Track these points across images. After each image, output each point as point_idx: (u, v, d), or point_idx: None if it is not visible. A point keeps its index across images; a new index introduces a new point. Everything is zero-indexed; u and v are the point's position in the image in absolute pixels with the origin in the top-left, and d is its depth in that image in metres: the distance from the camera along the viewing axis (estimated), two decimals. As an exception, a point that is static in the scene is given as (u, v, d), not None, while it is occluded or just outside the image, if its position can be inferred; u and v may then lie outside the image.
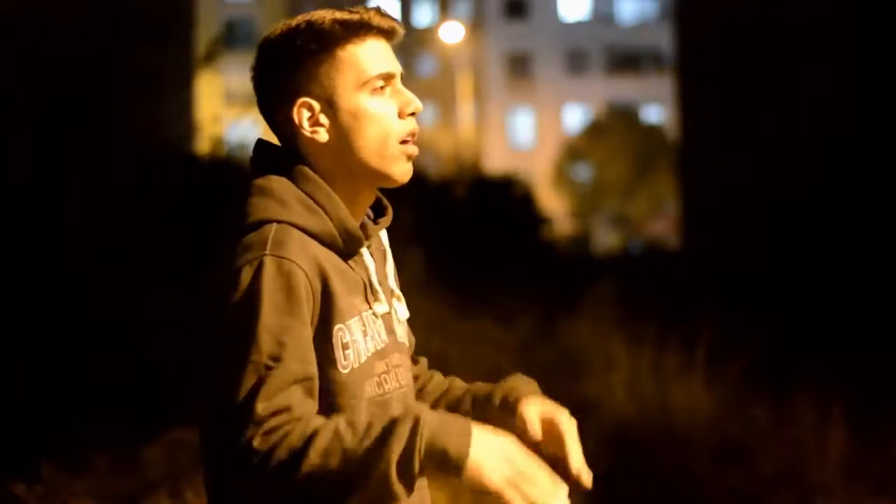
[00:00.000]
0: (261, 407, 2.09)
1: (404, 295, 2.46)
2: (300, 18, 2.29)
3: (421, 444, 2.06)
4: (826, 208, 16.52)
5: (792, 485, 7.19)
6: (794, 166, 17.29)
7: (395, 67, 2.33)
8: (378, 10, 2.32)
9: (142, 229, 9.29)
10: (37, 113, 9.66)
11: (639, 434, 7.93)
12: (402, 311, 2.41)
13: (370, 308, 2.31)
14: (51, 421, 7.13)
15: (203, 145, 13.07)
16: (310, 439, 2.08)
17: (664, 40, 49.03)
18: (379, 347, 2.30)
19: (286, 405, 2.11)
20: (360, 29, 2.29)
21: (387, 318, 2.36)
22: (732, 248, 18.56)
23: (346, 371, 2.22)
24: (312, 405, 2.16)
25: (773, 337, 11.22)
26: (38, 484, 5.51)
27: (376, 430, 2.08)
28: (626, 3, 61.78)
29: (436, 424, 2.09)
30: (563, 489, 2.12)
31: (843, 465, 7.30)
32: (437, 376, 2.62)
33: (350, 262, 2.31)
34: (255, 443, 2.08)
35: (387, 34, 2.32)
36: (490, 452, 2.09)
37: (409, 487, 2.06)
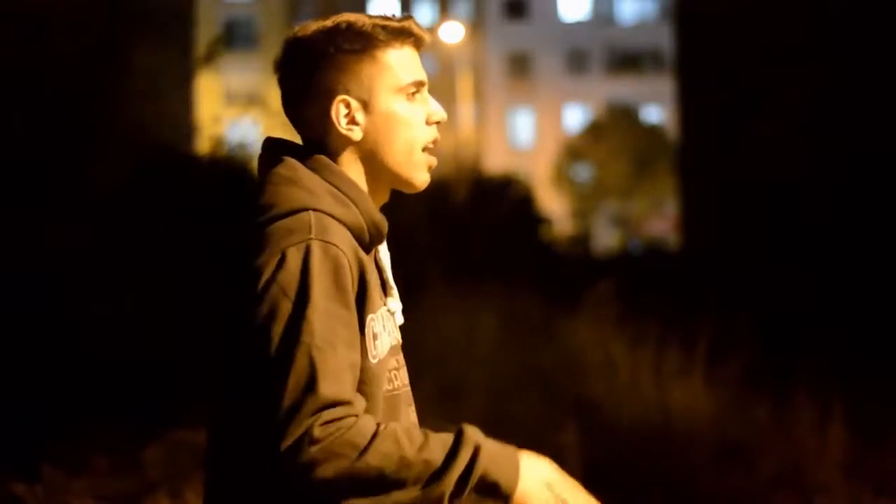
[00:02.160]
0: (326, 390, 2.09)
1: (403, 296, 2.47)
2: (337, 19, 2.32)
3: (478, 472, 2.15)
4: (826, 208, 16.52)
5: (792, 485, 7.19)
6: (793, 166, 17.29)
7: (425, 76, 2.39)
8: (413, 19, 2.37)
9: (141, 229, 9.29)
10: (37, 113, 9.66)
11: (639, 434, 7.93)
12: (398, 314, 2.43)
13: (385, 305, 2.33)
14: (51, 421, 7.13)
15: (203, 145, 13.05)
16: (372, 439, 2.10)
17: (664, 40, 49.03)
18: (393, 343, 2.33)
19: (347, 398, 2.11)
20: (400, 35, 2.34)
21: (394, 316, 2.38)
22: (732, 248, 18.56)
23: (374, 361, 2.24)
24: (363, 399, 2.18)
25: (773, 337, 11.23)
26: (38, 484, 5.51)
27: (437, 447, 2.14)
28: (626, 3, 61.79)
29: (492, 453, 2.18)
30: None
31: (843, 465, 7.30)
32: None
33: (369, 257, 2.33)
34: (316, 431, 2.07)
35: (420, 43, 2.38)
36: (535, 482, 2.20)
37: None
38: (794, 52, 17.34)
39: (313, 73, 2.31)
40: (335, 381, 2.11)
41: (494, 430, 2.27)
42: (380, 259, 2.36)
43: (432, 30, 51.97)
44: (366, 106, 2.31)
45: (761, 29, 18.24)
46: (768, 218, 17.88)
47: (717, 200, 19.91)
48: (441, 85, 52.88)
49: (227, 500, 2.23)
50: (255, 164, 2.41)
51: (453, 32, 46.63)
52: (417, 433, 2.15)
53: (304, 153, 2.31)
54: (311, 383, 2.09)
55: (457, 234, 15.44)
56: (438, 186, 17.60)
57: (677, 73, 22.96)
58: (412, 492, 2.11)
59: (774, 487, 7.19)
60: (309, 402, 2.08)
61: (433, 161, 2.38)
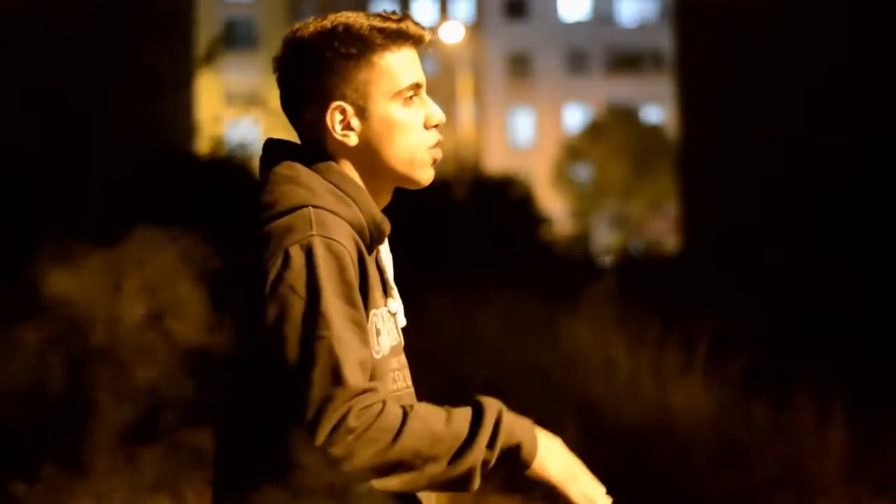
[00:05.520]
0: (354, 380, 2.12)
1: (403, 297, 2.46)
2: (335, 20, 2.30)
3: (503, 436, 2.20)
4: (825, 207, 16.52)
5: (792, 485, 7.19)
6: (793, 166, 17.30)
7: (423, 77, 2.37)
8: (411, 18, 2.35)
9: (141, 229, 9.28)
10: (37, 112, 9.66)
11: (639, 434, 7.93)
12: (401, 316, 2.42)
13: (385, 305, 2.32)
14: (51, 421, 7.12)
15: (203, 145, 13.08)
16: (403, 421, 2.14)
17: (664, 40, 49.03)
18: (394, 343, 2.32)
19: (372, 385, 2.15)
20: (398, 38, 2.31)
21: (395, 318, 2.37)
22: (732, 248, 18.56)
23: (378, 356, 2.25)
24: (384, 386, 2.22)
25: (773, 337, 11.22)
26: (38, 484, 5.51)
27: (461, 419, 2.19)
28: (626, 3, 61.80)
29: (512, 419, 2.23)
30: (603, 490, 2.33)
31: (843, 465, 7.30)
32: None
33: (371, 256, 2.32)
34: (350, 421, 2.10)
35: (418, 43, 2.36)
36: (550, 451, 2.27)
37: (485, 475, 2.20)
38: (793, 52, 17.35)
39: (310, 76, 2.30)
40: (360, 370, 2.14)
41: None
42: (381, 259, 2.35)
43: (432, 30, 52.09)
44: (362, 112, 2.29)
45: (761, 28, 18.24)
46: (768, 218, 17.89)
47: (717, 200, 19.92)
48: (441, 85, 52.86)
49: (235, 501, 2.23)
50: (255, 164, 2.41)
51: (453, 32, 46.63)
52: (440, 409, 2.19)
53: (304, 154, 2.31)
54: (337, 375, 2.11)
55: (457, 234, 15.43)
56: (438, 186, 17.62)
57: (677, 73, 22.97)
58: (444, 464, 2.15)
59: (774, 487, 7.19)
60: (339, 394, 2.11)
61: (438, 155, 2.36)
